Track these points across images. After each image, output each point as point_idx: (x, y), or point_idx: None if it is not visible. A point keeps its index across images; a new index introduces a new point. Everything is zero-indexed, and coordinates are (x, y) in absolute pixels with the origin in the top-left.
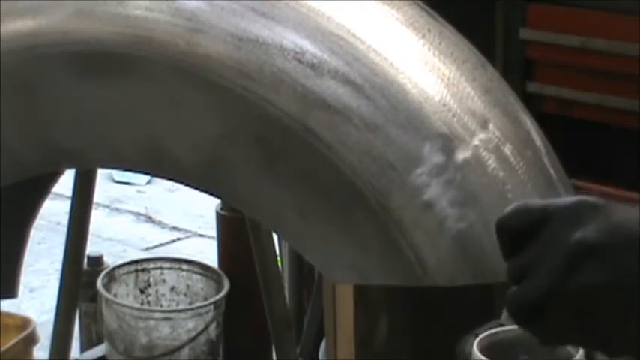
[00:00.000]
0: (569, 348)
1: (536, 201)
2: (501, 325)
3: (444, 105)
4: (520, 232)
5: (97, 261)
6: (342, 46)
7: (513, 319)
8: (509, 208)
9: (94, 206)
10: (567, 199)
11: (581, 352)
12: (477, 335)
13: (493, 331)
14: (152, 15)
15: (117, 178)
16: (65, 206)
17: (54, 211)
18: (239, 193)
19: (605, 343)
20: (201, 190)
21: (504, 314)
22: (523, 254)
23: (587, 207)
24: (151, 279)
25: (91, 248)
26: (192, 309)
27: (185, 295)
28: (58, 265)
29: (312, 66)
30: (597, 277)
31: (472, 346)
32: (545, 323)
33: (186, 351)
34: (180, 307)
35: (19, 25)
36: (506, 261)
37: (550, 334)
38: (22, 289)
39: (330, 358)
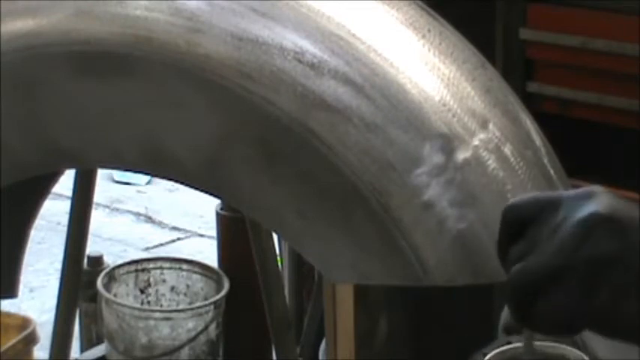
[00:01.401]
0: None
1: (546, 192)
2: (509, 342)
3: (444, 105)
4: (528, 219)
5: (97, 261)
6: (342, 46)
7: (514, 302)
8: (521, 196)
9: (94, 206)
10: (576, 189)
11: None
12: (484, 354)
13: (501, 349)
14: (152, 15)
15: (117, 178)
16: (65, 206)
17: (54, 211)
18: (239, 193)
19: (606, 322)
20: (201, 190)
21: (503, 316)
22: (528, 236)
23: (597, 191)
24: (151, 279)
25: (91, 248)
26: (192, 309)
27: (185, 295)
28: (58, 265)
29: (312, 66)
30: (609, 245)
31: None
32: (549, 302)
33: (186, 351)
34: (180, 307)
35: (19, 25)
36: (504, 248)
37: (552, 316)
38: (22, 289)
39: (330, 358)
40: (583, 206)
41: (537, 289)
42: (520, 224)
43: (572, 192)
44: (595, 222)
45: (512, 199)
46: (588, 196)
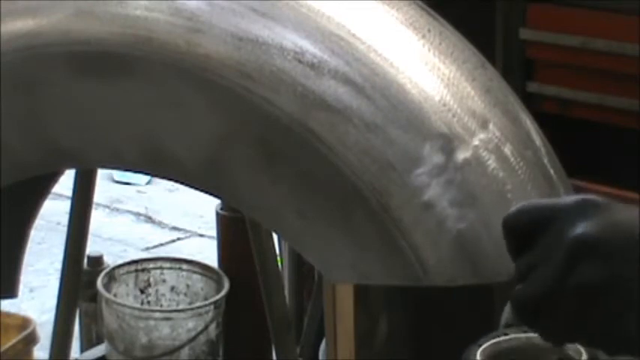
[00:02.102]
0: (573, 353)
1: (542, 200)
2: (505, 334)
3: (444, 105)
4: (526, 230)
5: (97, 261)
6: (342, 46)
7: (517, 317)
8: (515, 207)
9: (94, 206)
10: (571, 197)
11: (585, 356)
12: (480, 345)
13: (496, 340)
14: (152, 15)
15: (117, 178)
16: (65, 206)
17: (54, 211)
18: (239, 193)
19: (605, 341)
20: (201, 190)
21: (504, 316)
22: (529, 252)
23: (590, 205)
24: (151, 279)
25: (91, 248)
26: (192, 309)
27: (185, 295)
28: (58, 265)
29: (312, 66)
30: (597, 274)
31: (475, 355)
32: (548, 321)
33: (186, 351)
34: (180, 307)
35: (19, 25)
36: (513, 260)
37: (553, 332)
38: (22, 289)
39: (330, 358)
40: (576, 224)
41: (536, 311)
42: (520, 236)
43: (569, 201)
44: (583, 247)
45: (511, 211)
46: (584, 211)
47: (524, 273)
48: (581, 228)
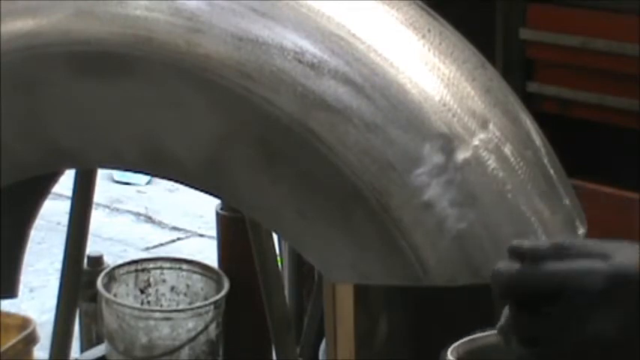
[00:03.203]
0: None
1: (548, 267)
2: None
3: (444, 105)
4: (534, 298)
5: (97, 261)
6: (342, 46)
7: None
8: (514, 270)
9: (94, 206)
10: (578, 265)
11: None
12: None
13: (473, 337)
14: (152, 15)
15: (117, 178)
16: (65, 206)
17: (54, 211)
18: (239, 193)
19: None
20: (201, 190)
21: (503, 315)
22: (532, 322)
23: (600, 279)
24: (151, 279)
25: (91, 248)
26: (192, 309)
27: (185, 295)
28: (58, 265)
29: (312, 66)
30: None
31: (446, 354)
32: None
33: (186, 351)
34: (180, 307)
35: (19, 25)
36: (500, 309)
37: None
38: (22, 289)
39: (330, 358)
40: (586, 319)
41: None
42: (525, 301)
43: (573, 277)
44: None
45: (506, 271)
46: (590, 303)
47: (527, 342)
48: (595, 325)
